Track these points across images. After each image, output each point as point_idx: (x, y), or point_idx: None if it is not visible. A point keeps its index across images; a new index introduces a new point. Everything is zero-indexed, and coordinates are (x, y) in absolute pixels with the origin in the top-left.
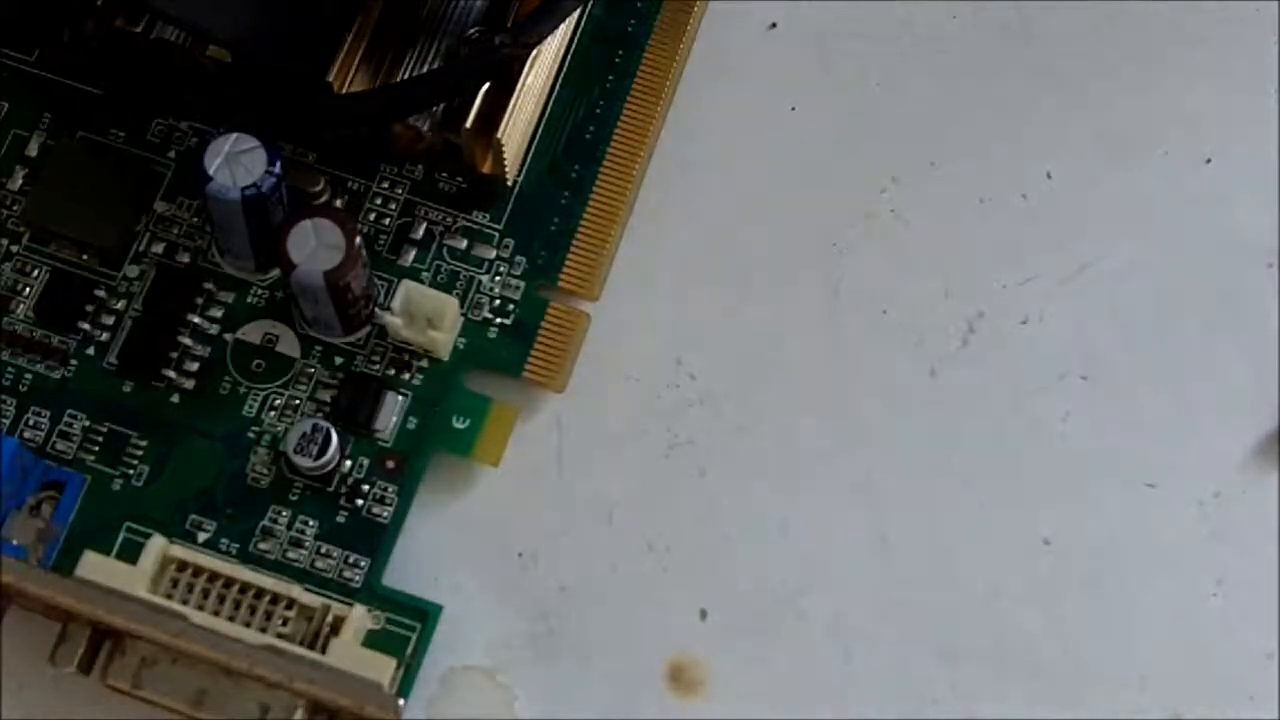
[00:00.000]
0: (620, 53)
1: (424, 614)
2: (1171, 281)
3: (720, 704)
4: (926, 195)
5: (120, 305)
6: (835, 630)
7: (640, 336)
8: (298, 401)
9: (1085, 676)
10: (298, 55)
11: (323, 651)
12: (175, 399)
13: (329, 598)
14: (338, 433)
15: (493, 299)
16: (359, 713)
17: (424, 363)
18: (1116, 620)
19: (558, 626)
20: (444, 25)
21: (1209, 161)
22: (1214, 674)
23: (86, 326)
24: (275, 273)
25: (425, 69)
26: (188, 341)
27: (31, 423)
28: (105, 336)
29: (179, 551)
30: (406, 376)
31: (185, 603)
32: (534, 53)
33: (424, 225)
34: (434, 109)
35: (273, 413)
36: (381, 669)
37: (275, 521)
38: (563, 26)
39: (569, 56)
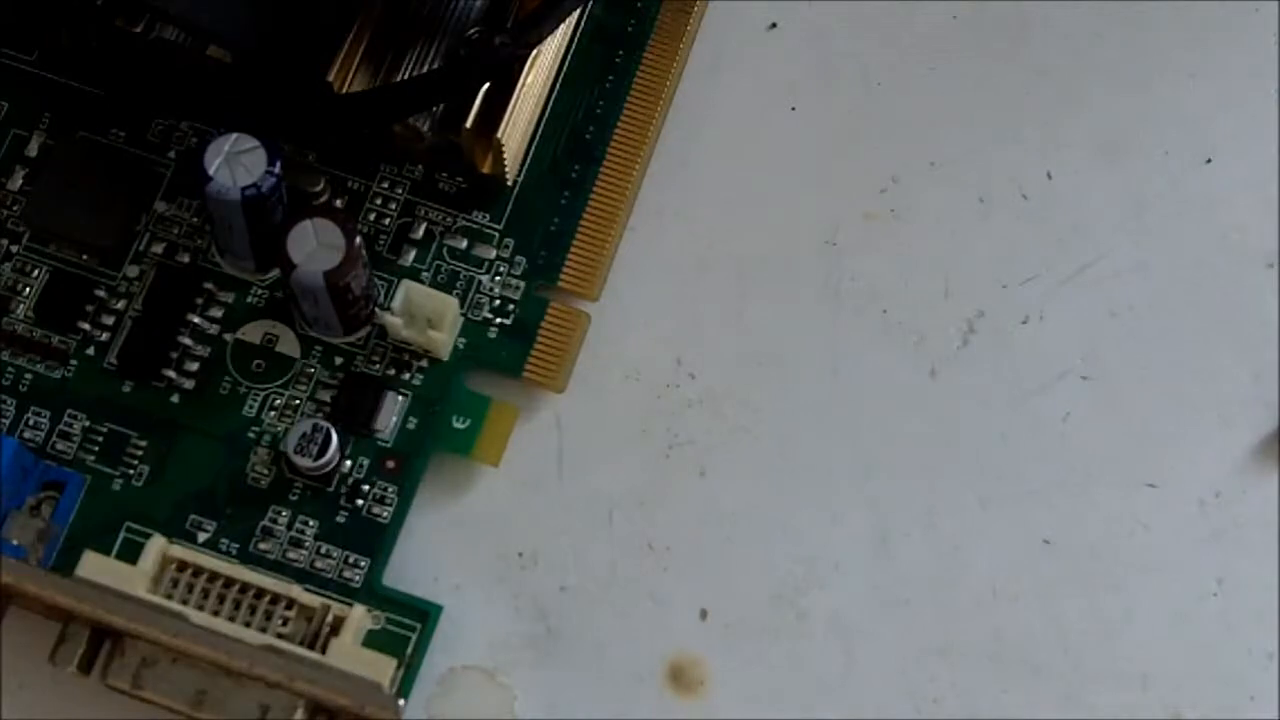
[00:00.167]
0: (620, 53)
1: (424, 614)
2: (1171, 281)
3: (720, 704)
4: (926, 195)
5: (120, 305)
6: (835, 630)
7: (640, 336)
8: (298, 401)
9: (1085, 676)
10: (297, 55)
11: (323, 651)
12: (175, 399)
13: (329, 598)
14: (338, 433)
15: (493, 299)
16: (359, 713)
17: (424, 363)
18: (1116, 620)
19: (558, 626)
20: (444, 25)
21: (1209, 161)
22: (1214, 674)
23: (86, 326)
24: (275, 273)
25: (425, 69)
26: (188, 341)
27: (31, 423)
28: (105, 336)
29: (179, 551)
30: (406, 376)
31: (185, 603)
32: (534, 53)
33: (424, 225)
34: (434, 109)
35: (273, 413)
36: (381, 669)
37: (275, 521)
38: (563, 26)
39: (569, 56)
